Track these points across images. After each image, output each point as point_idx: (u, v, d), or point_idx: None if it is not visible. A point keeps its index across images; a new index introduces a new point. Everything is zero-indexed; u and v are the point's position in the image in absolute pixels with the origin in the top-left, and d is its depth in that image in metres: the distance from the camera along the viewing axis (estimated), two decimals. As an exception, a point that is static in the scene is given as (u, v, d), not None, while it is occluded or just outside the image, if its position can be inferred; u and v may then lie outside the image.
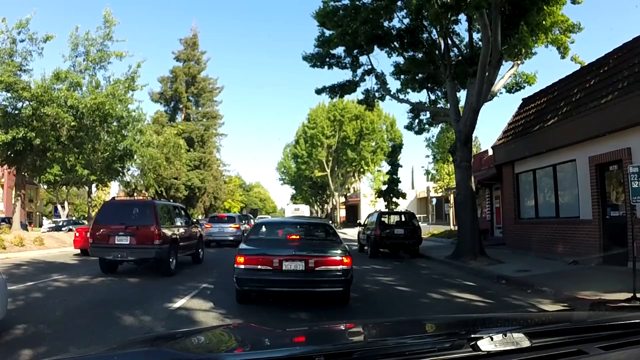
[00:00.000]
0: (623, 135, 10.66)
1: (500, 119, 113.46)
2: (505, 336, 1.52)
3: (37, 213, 53.99)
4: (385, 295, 9.22)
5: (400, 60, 16.94)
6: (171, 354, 1.62)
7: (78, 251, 17.01)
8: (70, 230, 26.76)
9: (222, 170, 60.40)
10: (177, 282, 10.01)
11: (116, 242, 10.94)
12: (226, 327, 2.70)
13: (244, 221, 26.84)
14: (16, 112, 20.83)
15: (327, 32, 16.38)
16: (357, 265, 9.83)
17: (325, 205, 64.30)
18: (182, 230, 12.71)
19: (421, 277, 12.02)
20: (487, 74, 13.41)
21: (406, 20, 16.08)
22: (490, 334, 1.52)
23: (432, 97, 18.03)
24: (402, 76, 17.39)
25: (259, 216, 53.12)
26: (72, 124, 20.83)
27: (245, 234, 13.50)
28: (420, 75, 17.30)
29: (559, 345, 1.57)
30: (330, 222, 20.47)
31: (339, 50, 16.85)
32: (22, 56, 20.28)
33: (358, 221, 33.15)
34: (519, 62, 15.51)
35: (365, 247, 18.66)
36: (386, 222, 18.15)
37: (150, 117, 44.40)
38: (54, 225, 33.90)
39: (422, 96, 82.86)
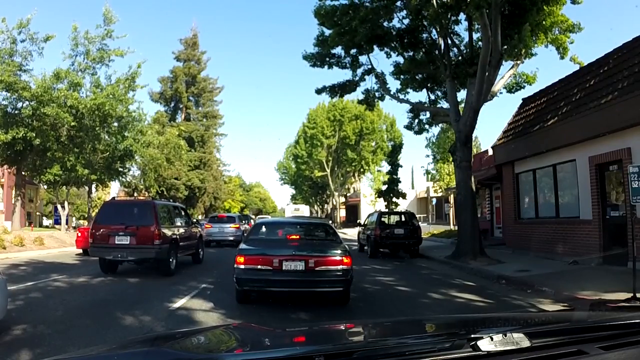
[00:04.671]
0: (623, 135, 10.66)
1: (500, 119, 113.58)
2: (505, 336, 1.52)
3: (37, 213, 53.93)
4: (385, 295, 9.21)
5: (400, 60, 16.95)
6: (171, 354, 1.62)
7: (79, 251, 17.02)
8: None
9: (222, 170, 60.40)
10: (177, 282, 10.01)
11: (116, 242, 10.93)
12: (226, 327, 2.70)
13: (244, 221, 26.86)
14: (16, 112, 20.84)
15: (327, 32, 16.38)
16: (357, 265, 9.83)
17: (325, 205, 64.27)
18: (182, 230, 12.71)
19: (421, 277, 12.02)
20: (487, 74, 13.41)
21: (406, 21, 16.09)
22: (490, 334, 1.52)
23: (432, 97, 18.04)
24: (402, 76, 17.38)
25: (258, 216, 53.12)
26: (72, 124, 20.83)
27: (245, 234, 13.49)
28: (420, 75, 17.30)
29: (559, 345, 1.57)
30: (330, 222, 20.48)
31: (339, 50, 16.87)
32: (23, 56, 20.30)
33: (358, 221, 33.15)
34: (519, 62, 15.51)
35: (365, 247, 18.66)
36: (386, 222, 18.14)
37: (151, 117, 44.38)
38: None
39: (422, 96, 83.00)
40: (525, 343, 1.50)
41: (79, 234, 17.04)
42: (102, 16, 22.23)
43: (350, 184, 60.70)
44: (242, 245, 7.83)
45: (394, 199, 29.50)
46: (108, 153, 25.49)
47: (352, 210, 60.10)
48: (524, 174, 15.94)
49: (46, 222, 54.92)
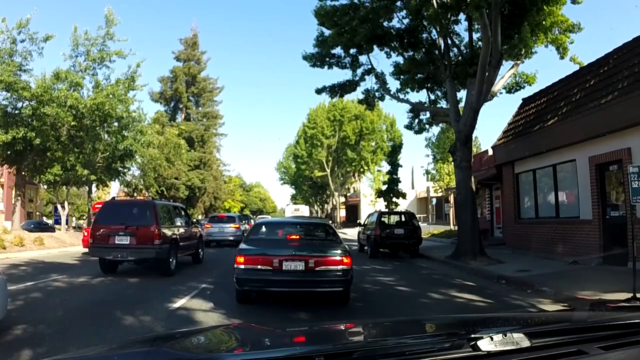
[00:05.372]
0: (623, 135, 10.66)
1: (500, 119, 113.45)
2: (505, 336, 1.52)
3: (37, 213, 53.93)
4: (385, 295, 9.22)
5: (400, 60, 16.95)
6: (171, 354, 1.62)
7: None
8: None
9: (222, 170, 60.42)
10: (177, 282, 10.01)
11: (116, 242, 10.93)
12: (226, 327, 2.70)
13: (244, 221, 26.86)
14: (16, 112, 20.83)
15: (327, 32, 16.38)
16: (357, 265, 9.83)
17: (325, 205, 64.27)
18: (182, 230, 12.70)
19: (421, 277, 12.02)
20: (487, 74, 13.41)
21: (406, 21, 16.09)
22: (490, 334, 1.52)
23: (432, 97, 18.03)
24: (402, 76, 17.37)
25: (259, 216, 53.13)
26: (72, 124, 20.84)
27: (245, 234, 13.49)
28: (420, 75, 17.29)
29: (559, 345, 1.57)
30: (330, 222, 20.47)
31: (339, 50, 16.86)
32: (22, 56, 20.30)
33: (358, 221, 33.15)
34: (519, 62, 15.50)
35: (365, 247, 18.66)
36: (386, 222, 18.14)
37: (151, 117, 44.41)
38: None
39: (422, 96, 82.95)
40: (525, 343, 1.50)
41: (86, 234, 17.01)
42: (104, 18, 22.27)
43: (350, 184, 60.71)
44: (242, 245, 7.82)
45: (394, 199, 29.47)
46: (108, 153, 25.51)
47: (352, 210, 60.10)
48: (524, 174, 15.93)
49: (46, 222, 54.88)
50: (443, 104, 17.82)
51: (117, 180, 32.33)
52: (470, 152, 15.53)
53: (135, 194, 39.55)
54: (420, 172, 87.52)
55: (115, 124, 23.95)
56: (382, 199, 31.02)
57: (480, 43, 14.39)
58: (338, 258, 7.22)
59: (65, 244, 21.09)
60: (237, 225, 22.64)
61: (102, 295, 8.60)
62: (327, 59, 17.07)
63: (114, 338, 5.27)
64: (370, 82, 17.80)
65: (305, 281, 7.12)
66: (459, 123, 14.88)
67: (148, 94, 52.21)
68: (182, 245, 12.36)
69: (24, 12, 61.00)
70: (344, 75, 27.18)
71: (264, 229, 9.05)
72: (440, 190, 35.27)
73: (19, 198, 23.81)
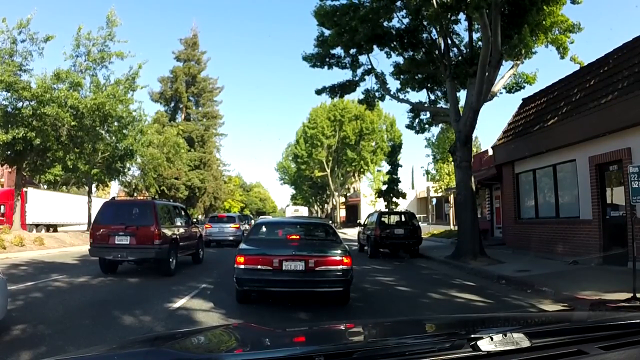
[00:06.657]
0: (623, 135, 10.67)
1: (500, 119, 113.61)
2: (505, 336, 1.52)
3: (37, 213, 53.86)
4: (385, 295, 9.22)
5: (400, 60, 16.96)
6: (171, 354, 1.62)
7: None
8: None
9: (222, 170, 60.39)
10: (177, 282, 10.01)
11: (116, 242, 10.93)
12: (226, 327, 2.70)
13: (244, 221, 26.86)
14: (16, 112, 20.80)
15: (327, 32, 16.39)
16: (357, 265, 9.83)
17: (325, 205, 64.26)
18: (182, 230, 12.70)
19: (421, 277, 12.02)
20: (487, 74, 13.41)
21: (406, 20, 16.10)
22: (490, 334, 1.52)
23: (432, 97, 18.04)
24: (401, 76, 17.38)
25: (260, 217, 53.13)
26: (72, 123, 20.81)
27: (245, 234, 13.49)
28: (420, 75, 17.30)
29: (559, 345, 1.57)
30: (330, 222, 20.46)
31: (339, 50, 16.87)
32: (23, 56, 20.26)
33: (358, 221, 33.15)
34: (519, 62, 15.51)
35: (365, 247, 18.66)
36: (386, 222, 18.14)
37: (151, 117, 44.35)
38: None
39: (422, 96, 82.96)
40: (525, 343, 1.50)
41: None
42: (105, 18, 22.21)
43: (350, 184, 60.70)
44: (242, 245, 7.83)
45: (394, 199, 29.47)
46: (108, 153, 25.50)
47: (352, 210, 60.08)
48: (524, 174, 15.94)
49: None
50: (443, 104, 17.82)
51: (117, 179, 32.29)
52: (470, 152, 15.53)
53: (135, 194, 39.53)
54: (420, 172, 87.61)
55: (116, 123, 23.92)
56: (382, 199, 31.01)
57: (480, 43, 14.40)
58: (338, 258, 7.22)
59: (65, 244, 21.09)
60: (237, 225, 22.64)
61: (102, 295, 8.59)
62: (327, 59, 17.07)
63: (114, 338, 5.27)
64: (370, 82, 17.83)
65: (305, 281, 7.12)
66: (459, 123, 14.88)
67: (148, 94, 52.18)
68: (182, 245, 12.36)
69: (24, 12, 61.05)
70: (344, 75, 27.17)
71: (264, 229, 9.06)
72: (440, 190, 35.23)
73: (19, 198, 23.76)
